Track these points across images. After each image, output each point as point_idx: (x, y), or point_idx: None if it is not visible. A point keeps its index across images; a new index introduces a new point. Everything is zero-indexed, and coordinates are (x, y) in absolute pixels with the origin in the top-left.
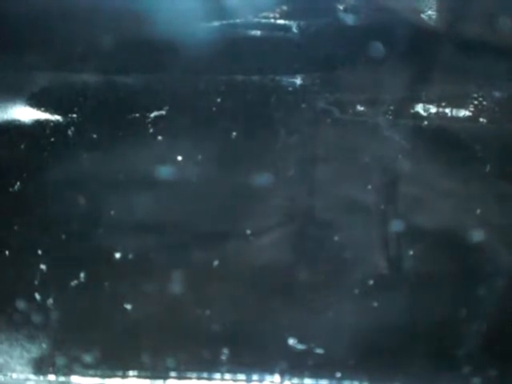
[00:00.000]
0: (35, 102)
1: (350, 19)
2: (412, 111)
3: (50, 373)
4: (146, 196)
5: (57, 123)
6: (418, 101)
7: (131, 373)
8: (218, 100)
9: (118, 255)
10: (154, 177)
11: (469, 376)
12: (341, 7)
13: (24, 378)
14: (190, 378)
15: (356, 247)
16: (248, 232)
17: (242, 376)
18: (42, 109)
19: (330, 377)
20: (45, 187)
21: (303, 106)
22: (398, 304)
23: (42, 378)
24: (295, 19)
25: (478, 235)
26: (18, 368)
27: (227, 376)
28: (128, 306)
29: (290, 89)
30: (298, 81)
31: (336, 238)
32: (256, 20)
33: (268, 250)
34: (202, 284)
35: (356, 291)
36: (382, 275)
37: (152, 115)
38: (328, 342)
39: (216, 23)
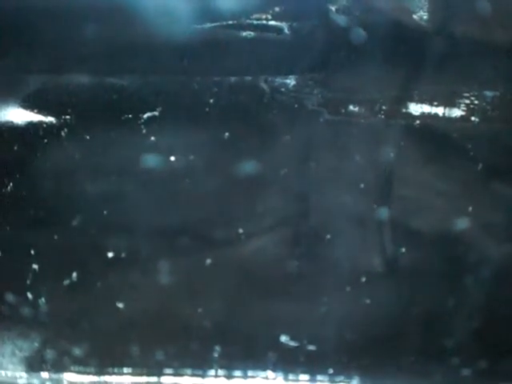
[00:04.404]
0: (28, 103)
1: (342, 20)
2: (404, 111)
3: (43, 370)
4: (138, 196)
5: (50, 125)
6: (410, 101)
7: (125, 370)
8: (211, 101)
9: (110, 254)
10: (146, 177)
11: (460, 369)
12: (333, 8)
13: (16, 375)
14: (185, 375)
15: (349, 247)
16: (240, 231)
17: (235, 372)
18: (36, 110)
19: (324, 372)
20: (38, 188)
21: (296, 106)
22: (391, 302)
23: (34, 375)
24: (287, 20)
25: (469, 233)
26: (10, 366)
27: (221, 372)
28: (120, 304)
29: (283, 90)
30: (291, 82)
31: (328, 237)
32: (248, 21)
33: (261, 252)
34: (197, 283)
35: (349, 289)
36: (375, 273)
37: (145, 116)
38: (320, 338)
39: (208, 24)
